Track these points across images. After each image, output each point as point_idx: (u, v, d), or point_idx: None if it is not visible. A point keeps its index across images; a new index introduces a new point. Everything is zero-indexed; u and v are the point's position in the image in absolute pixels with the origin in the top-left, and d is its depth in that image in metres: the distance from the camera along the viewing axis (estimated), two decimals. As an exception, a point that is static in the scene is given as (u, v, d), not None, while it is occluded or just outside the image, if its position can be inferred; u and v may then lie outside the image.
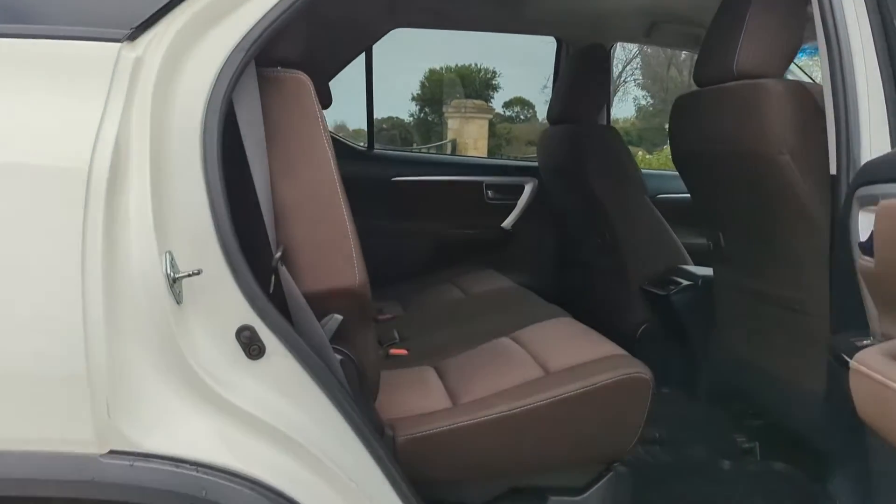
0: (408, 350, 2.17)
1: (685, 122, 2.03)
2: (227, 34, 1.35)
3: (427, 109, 19.64)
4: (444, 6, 2.86)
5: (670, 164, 2.34)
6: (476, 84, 19.65)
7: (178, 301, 1.25)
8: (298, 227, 1.49)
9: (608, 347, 1.82)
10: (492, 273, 3.05)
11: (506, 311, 2.39)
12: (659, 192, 3.34)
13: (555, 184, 3.06)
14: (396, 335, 2.34)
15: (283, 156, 1.48)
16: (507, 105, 20.38)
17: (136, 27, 1.27)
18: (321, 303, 1.51)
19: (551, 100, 2.96)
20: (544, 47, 3.46)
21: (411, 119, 20.07)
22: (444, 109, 14.88)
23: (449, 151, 13.57)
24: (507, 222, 3.37)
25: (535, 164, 3.28)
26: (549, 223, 3.37)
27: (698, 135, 1.96)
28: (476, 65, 19.45)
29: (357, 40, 3.08)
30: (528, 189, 3.37)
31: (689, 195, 2.21)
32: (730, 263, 2.11)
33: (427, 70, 19.45)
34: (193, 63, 1.32)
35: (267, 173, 1.44)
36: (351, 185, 2.93)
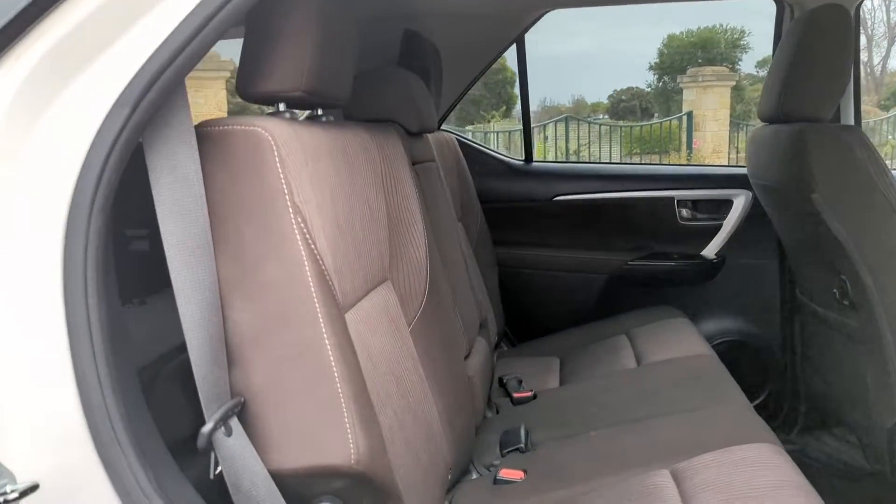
0: (526, 471, 1.55)
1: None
2: (108, 76, 0.83)
3: (666, 78, 18.28)
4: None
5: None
6: (721, 46, 17.81)
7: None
8: (258, 370, 0.94)
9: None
10: (682, 324, 2.29)
11: (684, 411, 1.67)
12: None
13: (771, 204, 2.21)
14: (522, 435, 1.72)
15: (233, 258, 0.94)
16: (759, 65, 18.27)
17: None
18: (304, 484, 0.96)
19: (764, 88, 2.10)
20: None
21: (650, 89, 18.79)
22: (678, 79, 13.52)
23: (685, 126, 12.34)
24: (709, 250, 2.56)
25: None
26: (768, 251, 2.51)
27: None
28: (721, 25, 17.61)
29: (496, 35, 2.47)
30: (738, 205, 2.53)
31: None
32: None
33: (666, 36, 17.98)
34: (46, 130, 0.83)
35: (209, 284, 0.91)
36: (503, 209, 2.35)
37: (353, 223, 1.18)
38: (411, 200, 1.49)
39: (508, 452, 1.69)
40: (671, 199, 2.56)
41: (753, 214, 2.49)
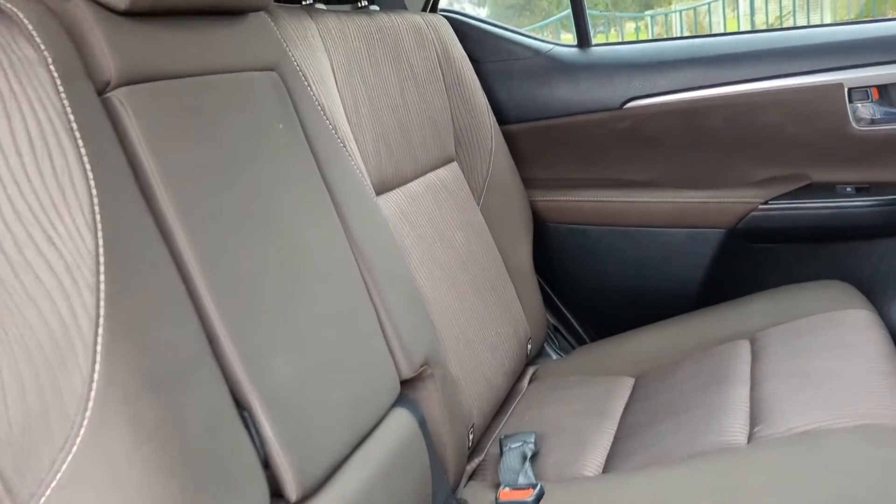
0: None
1: None
2: None
3: None
4: None
5: None
6: None
7: None
8: None
9: None
10: (858, 322, 1.24)
11: None
12: None
13: None
14: None
15: None
16: None
17: None
18: None
19: None
20: None
21: None
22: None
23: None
24: (916, 175, 1.42)
25: None
26: None
27: None
28: None
29: None
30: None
31: None
32: None
33: None
34: None
35: None
36: (541, 129, 1.61)
37: None
38: (58, 177, 0.60)
39: None
40: (838, 86, 1.41)
41: None
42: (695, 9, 10.25)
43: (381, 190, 1.17)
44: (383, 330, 0.95)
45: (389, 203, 1.18)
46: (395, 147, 1.23)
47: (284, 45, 0.96)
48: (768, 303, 1.40)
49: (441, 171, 1.38)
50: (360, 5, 1.33)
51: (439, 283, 1.21)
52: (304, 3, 1.17)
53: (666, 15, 11.48)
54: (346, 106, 1.10)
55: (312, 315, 0.83)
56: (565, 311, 1.71)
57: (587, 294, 1.66)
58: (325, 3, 1.21)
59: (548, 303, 1.70)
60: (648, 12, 12.05)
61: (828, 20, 9.91)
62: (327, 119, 0.99)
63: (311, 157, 0.91)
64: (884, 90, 1.40)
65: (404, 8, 1.54)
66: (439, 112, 1.40)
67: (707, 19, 10.17)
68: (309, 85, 0.97)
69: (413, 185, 1.27)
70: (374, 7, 1.35)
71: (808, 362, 1.15)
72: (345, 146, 1.01)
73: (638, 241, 1.59)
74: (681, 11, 10.49)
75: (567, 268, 1.66)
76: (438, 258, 1.24)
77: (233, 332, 0.71)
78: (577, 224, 1.63)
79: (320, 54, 1.04)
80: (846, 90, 1.41)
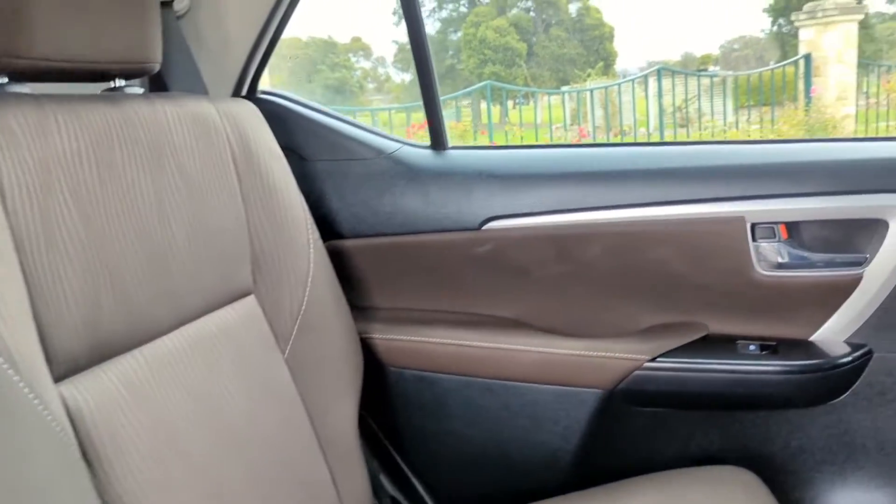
0: None
1: None
2: None
3: (781, 21, 16.81)
4: None
5: None
6: (845, -22, 15.55)
7: None
8: None
9: None
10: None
11: None
12: None
13: None
14: None
15: None
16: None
17: None
18: None
19: None
20: None
21: (764, 35, 17.52)
22: (793, 18, 11.47)
23: (801, 72, 10.34)
24: (830, 332, 1.13)
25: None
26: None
27: None
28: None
29: None
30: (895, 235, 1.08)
31: None
32: None
33: (782, -28, 16.24)
34: None
35: None
36: (379, 248, 1.34)
37: None
38: None
39: None
40: (739, 219, 1.13)
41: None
42: (606, 88, 10.41)
43: (94, 360, 0.79)
44: None
45: (106, 378, 0.80)
46: (133, 288, 0.85)
47: None
48: (653, 493, 1.09)
49: (224, 312, 1.01)
50: (113, 86, 0.97)
51: (184, 489, 0.83)
52: (-6, 83, 0.81)
53: (578, 92, 11.64)
54: (28, 238, 0.73)
55: None
56: (411, 478, 1.35)
57: (436, 459, 1.31)
58: (36, 81, 0.84)
59: (387, 468, 1.34)
60: (565, 88, 12.27)
61: (730, 106, 10.19)
62: None
63: None
64: (794, 228, 1.13)
65: (204, 92, 1.20)
66: (228, 228, 1.04)
67: (618, 98, 10.30)
68: None
69: (166, 341, 0.90)
70: (137, 90, 1.00)
71: None
72: None
73: (499, 397, 1.25)
74: (592, 91, 10.63)
75: (412, 425, 1.30)
76: (188, 449, 0.86)
77: None
78: (425, 371, 1.28)
79: None
80: (748, 225, 1.13)
